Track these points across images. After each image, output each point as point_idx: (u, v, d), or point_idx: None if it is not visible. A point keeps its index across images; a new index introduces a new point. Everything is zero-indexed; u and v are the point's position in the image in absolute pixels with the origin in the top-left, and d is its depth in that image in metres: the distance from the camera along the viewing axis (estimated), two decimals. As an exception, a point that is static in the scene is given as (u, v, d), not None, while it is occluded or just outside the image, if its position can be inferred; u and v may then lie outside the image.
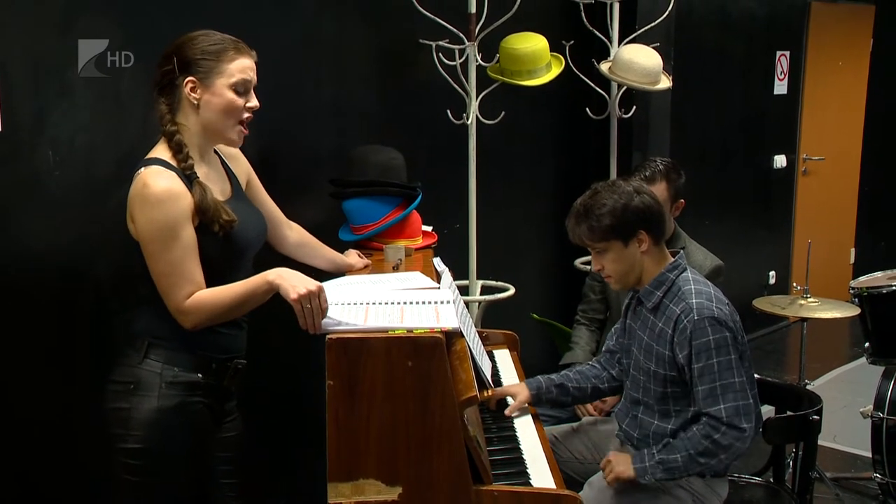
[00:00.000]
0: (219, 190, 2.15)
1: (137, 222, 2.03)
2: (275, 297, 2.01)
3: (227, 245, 2.11)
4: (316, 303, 1.95)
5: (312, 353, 2.05)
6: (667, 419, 2.40)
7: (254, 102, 2.15)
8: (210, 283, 2.05)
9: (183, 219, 2.01)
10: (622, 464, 2.33)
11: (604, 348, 2.69)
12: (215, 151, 2.24)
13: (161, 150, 2.09)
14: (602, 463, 2.40)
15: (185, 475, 2.12)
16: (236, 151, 2.34)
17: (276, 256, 2.47)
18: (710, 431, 2.26)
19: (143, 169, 2.04)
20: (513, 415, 2.45)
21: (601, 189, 2.40)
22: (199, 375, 2.12)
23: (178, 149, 2.07)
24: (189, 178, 2.06)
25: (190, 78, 2.08)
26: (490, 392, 2.48)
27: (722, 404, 2.25)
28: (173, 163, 2.06)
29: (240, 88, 2.11)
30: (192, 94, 2.09)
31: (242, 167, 2.35)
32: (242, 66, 2.11)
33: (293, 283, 1.97)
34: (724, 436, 2.25)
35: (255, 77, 2.16)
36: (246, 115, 2.14)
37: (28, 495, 2.61)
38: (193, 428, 2.12)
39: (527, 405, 2.51)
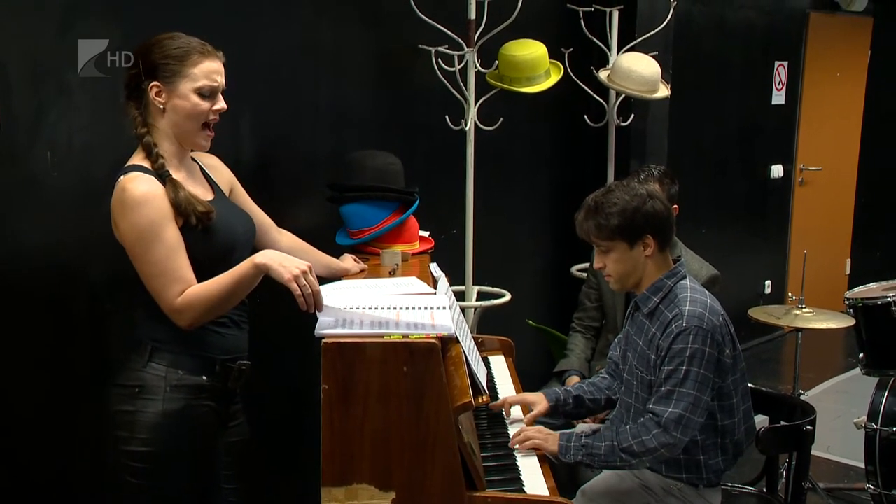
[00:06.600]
0: (199, 194, 2.14)
1: (120, 227, 2.04)
2: (275, 298, 2.00)
3: (213, 242, 2.10)
4: (311, 279, 1.96)
5: (310, 356, 2.04)
6: None
7: (220, 105, 2.12)
8: None
9: (164, 219, 2.01)
10: (549, 442, 2.29)
11: (608, 358, 2.69)
12: (195, 160, 2.23)
13: (138, 156, 2.09)
14: (524, 433, 2.32)
15: (188, 478, 2.12)
16: (217, 161, 2.34)
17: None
18: (641, 432, 2.25)
19: (122, 176, 2.05)
20: (508, 421, 2.45)
21: (615, 188, 2.39)
22: (204, 378, 2.11)
23: (148, 150, 2.07)
24: (162, 176, 2.05)
25: (155, 83, 2.06)
26: (492, 401, 2.48)
27: (669, 408, 2.25)
28: (147, 165, 2.06)
29: (205, 92, 2.08)
30: (158, 99, 2.07)
31: (224, 176, 2.34)
32: (208, 71, 2.08)
33: (284, 263, 1.97)
34: (653, 439, 2.24)
35: (223, 80, 2.13)
36: (212, 117, 2.12)
37: (26, 497, 2.61)
38: (198, 431, 2.12)
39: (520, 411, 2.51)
